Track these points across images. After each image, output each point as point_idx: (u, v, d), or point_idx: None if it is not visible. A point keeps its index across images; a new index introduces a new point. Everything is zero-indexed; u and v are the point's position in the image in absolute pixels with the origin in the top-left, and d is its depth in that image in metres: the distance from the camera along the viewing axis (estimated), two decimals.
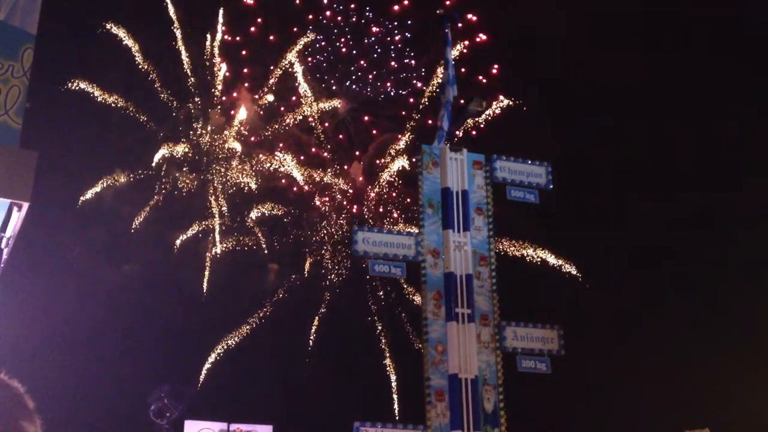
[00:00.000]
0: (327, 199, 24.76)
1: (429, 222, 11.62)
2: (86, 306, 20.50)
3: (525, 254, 22.71)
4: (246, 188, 24.24)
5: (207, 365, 22.85)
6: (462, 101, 12.22)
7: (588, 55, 21.69)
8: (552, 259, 22.90)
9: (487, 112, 21.40)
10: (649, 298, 20.81)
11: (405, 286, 24.03)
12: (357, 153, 25.25)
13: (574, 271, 22.62)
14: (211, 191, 24.28)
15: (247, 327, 23.53)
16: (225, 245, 24.00)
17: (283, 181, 24.63)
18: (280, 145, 24.65)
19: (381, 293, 24.18)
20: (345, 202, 24.70)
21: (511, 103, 22.59)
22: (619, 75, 21.39)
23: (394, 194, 24.51)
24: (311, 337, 23.88)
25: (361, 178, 24.82)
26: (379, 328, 23.99)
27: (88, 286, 21.22)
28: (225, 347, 23.25)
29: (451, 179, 11.82)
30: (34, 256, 17.58)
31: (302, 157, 24.67)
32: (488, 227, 11.90)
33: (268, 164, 24.32)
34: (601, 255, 21.64)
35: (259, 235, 24.15)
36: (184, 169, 24.22)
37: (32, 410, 1.57)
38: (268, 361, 22.72)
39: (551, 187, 12.40)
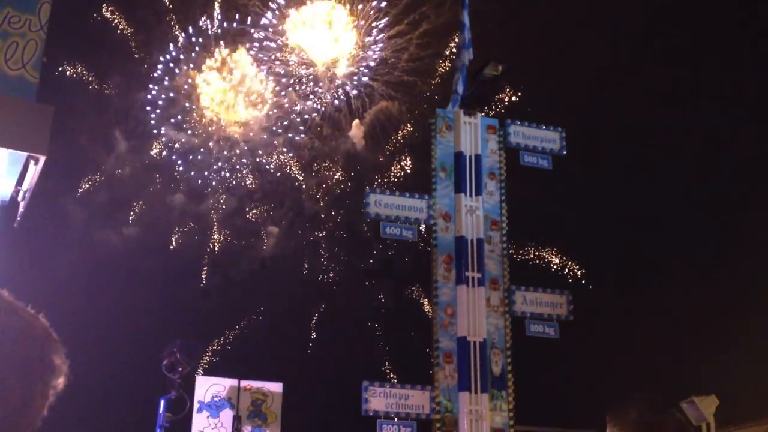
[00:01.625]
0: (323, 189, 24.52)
1: (441, 186, 11.64)
2: (98, 260, 20.74)
3: (531, 256, 22.61)
4: (244, 185, 24.11)
5: (220, 323, 23.12)
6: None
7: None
8: (556, 260, 22.80)
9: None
10: (656, 266, 20.82)
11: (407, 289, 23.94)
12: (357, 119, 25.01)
13: (578, 271, 22.51)
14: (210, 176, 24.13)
15: (260, 300, 23.67)
16: (224, 234, 23.99)
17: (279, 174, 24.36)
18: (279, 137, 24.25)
19: (381, 295, 24.06)
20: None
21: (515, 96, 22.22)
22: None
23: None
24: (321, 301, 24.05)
25: (362, 141, 24.61)
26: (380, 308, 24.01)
27: (95, 243, 21.44)
28: (237, 307, 23.48)
29: (464, 143, 11.81)
30: (45, 207, 17.77)
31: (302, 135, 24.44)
32: (500, 192, 11.91)
33: (268, 160, 24.15)
34: (609, 228, 21.61)
35: (264, 235, 24.09)
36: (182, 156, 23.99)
37: (58, 342, 1.60)
38: (279, 319, 22.95)
39: (565, 153, 12.37)
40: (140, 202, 23.63)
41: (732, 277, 19.27)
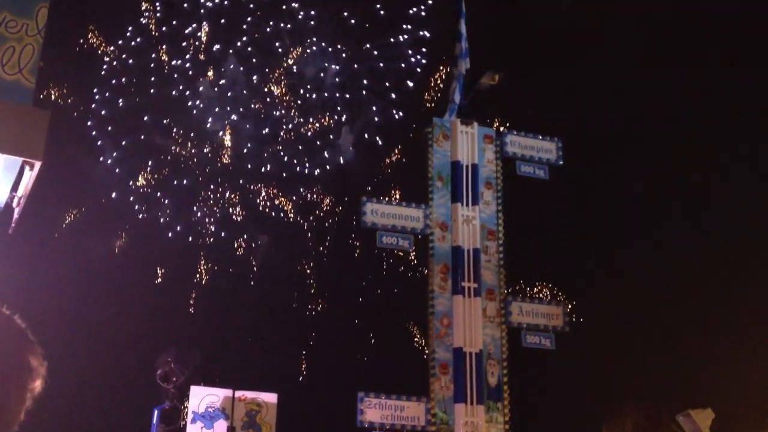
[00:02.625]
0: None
1: (438, 195, 11.64)
2: (89, 269, 20.66)
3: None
4: (235, 216, 23.91)
5: (214, 331, 22.99)
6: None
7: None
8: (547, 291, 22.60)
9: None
10: (653, 277, 20.81)
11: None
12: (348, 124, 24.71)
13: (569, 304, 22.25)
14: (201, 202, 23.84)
15: (261, 262, 23.51)
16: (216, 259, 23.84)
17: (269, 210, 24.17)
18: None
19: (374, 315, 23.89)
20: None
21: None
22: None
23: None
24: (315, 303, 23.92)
25: (351, 147, 24.37)
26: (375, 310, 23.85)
27: (88, 251, 21.36)
28: (230, 313, 23.35)
29: (461, 153, 11.82)
30: (40, 212, 17.72)
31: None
32: (497, 202, 11.92)
33: (257, 196, 23.97)
34: (605, 238, 21.62)
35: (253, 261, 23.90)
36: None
37: (35, 344, 1.56)
38: (274, 329, 22.85)
39: (561, 163, 12.39)
40: (131, 213, 23.51)
41: (729, 290, 19.25)
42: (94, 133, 23.56)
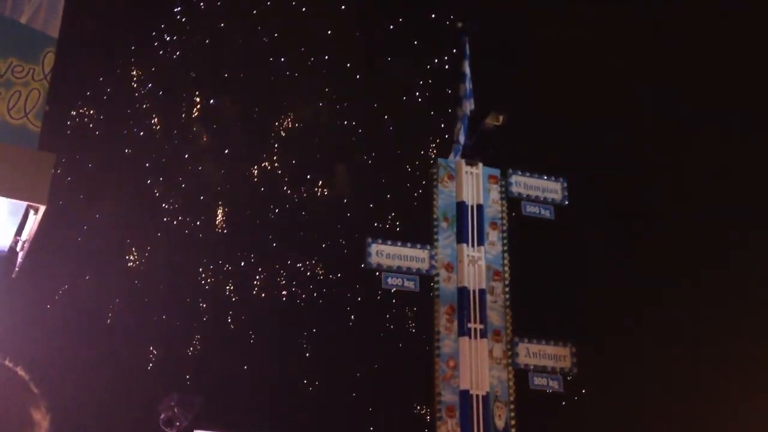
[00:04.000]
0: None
1: (443, 236, 11.60)
2: (92, 315, 20.58)
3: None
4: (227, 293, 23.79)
5: (217, 374, 22.80)
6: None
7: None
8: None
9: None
10: (662, 318, 20.61)
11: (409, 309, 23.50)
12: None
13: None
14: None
15: (256, 337, 23.38)
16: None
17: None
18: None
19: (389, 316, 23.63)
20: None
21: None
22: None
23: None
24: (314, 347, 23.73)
25: (346, 186, 24.20)
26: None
27: (90, 296, 21.28)
28: (234, 357, 23.17)
29: (466, 193, 11.82)
30: (46, 258, 17.69)
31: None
32: (503, 242, 11.88)
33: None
34: (611, 276, 21.48)
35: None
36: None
37: (38, 396, 1.53)
38: (278, 371, 22.65)
39: (567, 203, 12.37)
40: (132, 255, 23.34)
41: (743, 331, 18.99)
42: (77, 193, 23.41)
